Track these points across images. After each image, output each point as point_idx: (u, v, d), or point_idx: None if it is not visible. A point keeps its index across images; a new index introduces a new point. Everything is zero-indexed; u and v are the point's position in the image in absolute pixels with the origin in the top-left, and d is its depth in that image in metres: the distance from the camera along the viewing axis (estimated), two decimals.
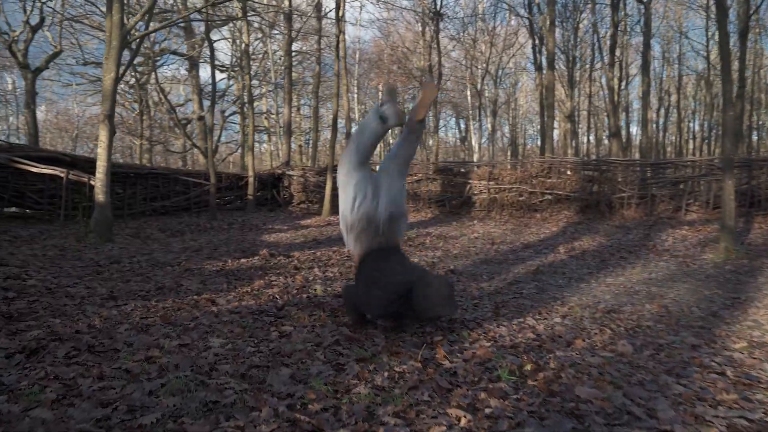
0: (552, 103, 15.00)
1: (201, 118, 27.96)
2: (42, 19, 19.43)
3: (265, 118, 29.96)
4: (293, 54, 27.05)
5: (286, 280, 5.39)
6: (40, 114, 35.70)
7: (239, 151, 26.68)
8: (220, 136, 29.92)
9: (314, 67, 20.96)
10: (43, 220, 9.73)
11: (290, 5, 16.54)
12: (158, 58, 25.68)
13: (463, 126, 37.34)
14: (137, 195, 12.15)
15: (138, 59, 25.06)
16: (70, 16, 19.50)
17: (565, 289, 5.36)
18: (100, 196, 7.57)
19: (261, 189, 15.58)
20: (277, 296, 4.53)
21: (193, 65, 23.38)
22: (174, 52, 27.25)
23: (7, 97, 33.28)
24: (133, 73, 25.66)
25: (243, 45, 14.08)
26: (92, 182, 7.83)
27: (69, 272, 5.24)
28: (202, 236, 9.57)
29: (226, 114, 29.78)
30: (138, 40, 8.38)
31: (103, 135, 7.55)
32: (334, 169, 14.10)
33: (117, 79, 7.60)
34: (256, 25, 17.98)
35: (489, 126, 31.13)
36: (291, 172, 15.67)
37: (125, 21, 7.56)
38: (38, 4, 18.76)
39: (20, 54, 19.09)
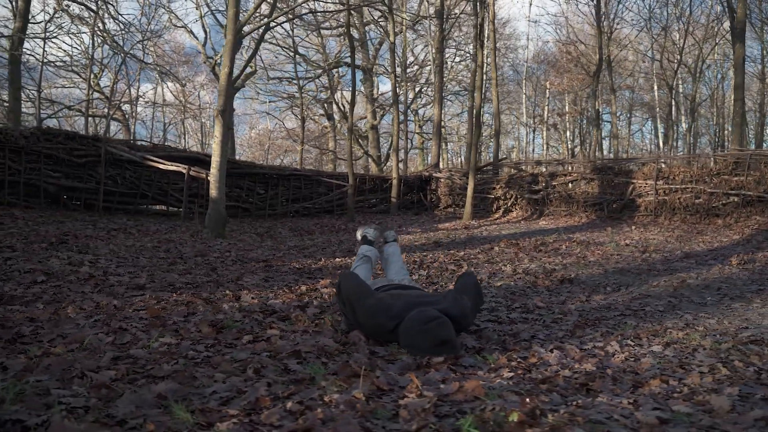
0: (741, 83, 12.16)
1: (374, 128, 28.74)
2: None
3: (443, 127, 29.80)
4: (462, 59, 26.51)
5: None
6: (245, 130, 40.19)
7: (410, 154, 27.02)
8: (398, 143, 30.47)
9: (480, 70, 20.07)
10: (182, 216, 10.21)
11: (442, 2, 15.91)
12: (335, 71, 26.96)
13: (661, 131, 33.04)
14: (279, 196, 12.34)
15: (310, 72, 26.54)
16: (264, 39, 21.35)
17: (708, 308, 3.99)
18: (213, 191, 7.61)
19: (408, 192, 15.09)
20: (324, 297, 3.94)
21: (367, 77, 24.24)
22: (346, 64, 28.39)
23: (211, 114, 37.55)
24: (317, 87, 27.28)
25: (389, 42, 13.79)
26: (209, 177, 7.91)
27: (138, 263, 5.14)
28: (326, 237, 9.32)
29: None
30: (260, 32, 8.35)
31: (217, 130, 7.58)
32: (477, 170, 13.11)
33: (231, 74, 7.61)
34: (408, 27, 17.69)
35: (685, 127, 27.38)
36: (438, 174, 14.94)
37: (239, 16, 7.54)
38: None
39: None
